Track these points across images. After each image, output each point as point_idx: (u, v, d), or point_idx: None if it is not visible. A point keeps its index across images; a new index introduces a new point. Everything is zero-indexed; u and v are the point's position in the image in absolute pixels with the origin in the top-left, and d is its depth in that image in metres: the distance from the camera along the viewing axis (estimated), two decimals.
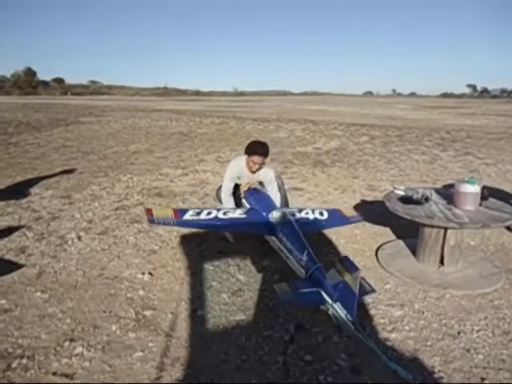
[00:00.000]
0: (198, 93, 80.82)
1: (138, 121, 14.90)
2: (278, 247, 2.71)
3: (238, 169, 3.25)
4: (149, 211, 2.70)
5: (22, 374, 1.77)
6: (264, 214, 2.92)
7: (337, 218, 3.12)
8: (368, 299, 2.39)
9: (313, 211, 3.08)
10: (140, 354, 1.91)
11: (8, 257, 2.94)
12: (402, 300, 2.43)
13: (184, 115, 17.89)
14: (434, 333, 2.12)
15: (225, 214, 2.85)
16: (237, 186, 3.38)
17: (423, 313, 2.30)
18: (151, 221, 2.64)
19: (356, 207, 4.30)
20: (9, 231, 3.42)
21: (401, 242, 3.25)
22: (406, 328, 2.15)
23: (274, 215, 2.85)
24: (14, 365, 1.81)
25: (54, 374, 1.77)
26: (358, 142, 9.72)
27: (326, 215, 3.06)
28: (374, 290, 2.30)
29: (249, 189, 3.27)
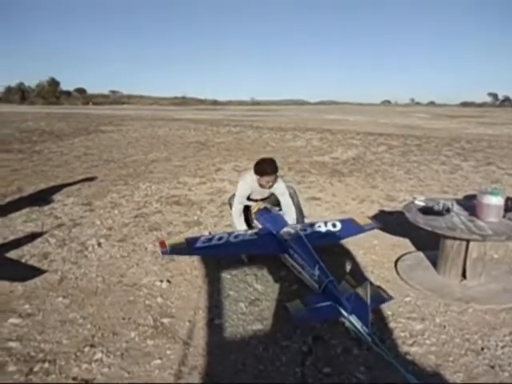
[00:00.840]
0: (215, 102, 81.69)
1: (157, 130, 15.17)
2: (290, 264, 2.71)
3: (247, 186, 3.31)
4: (162, 243, 2.70)
5: (43, 378, 1.81)
6: (274, 232, 2.93)
7: (351, 227, 3.10)
8: (388, 312, 2.36)
9: (325, 224, 3.07)
10: (158, 361, 1.93)
11: (31, 262, 3.02)
12: (423, 313, 2.38)
13: (202, 124, 18.11)
14: (457, 348, 2.06)
15: (236, 237, 2.85)
16: (246, 207, 3.43)
17: (445, 327, 2.24)
18: (164, 252, 2.62)
19: (374, 217, 4.23)
20: (32, 237, 3.51)
21: (421, 254, 3.19)
22: (427, 342, 2.10)
23: (284, 232, 2.85)
24: (36, 369, 1.85)
25: (75, 378, 1.80)
26: (375, 152, 9.63)
27: (339, 226, 3.04)
28: (391, 298, 2.27)
29: (258, 209, 3.30)
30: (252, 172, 3.27)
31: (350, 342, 2.06)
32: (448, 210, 2.80)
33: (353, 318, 2.04)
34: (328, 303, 2.16)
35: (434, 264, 2.93)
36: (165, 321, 2.27)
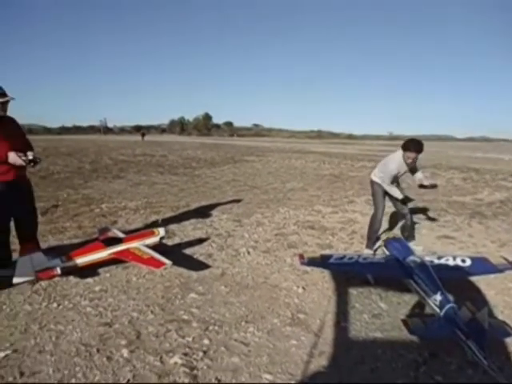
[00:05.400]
0: (350, 136, 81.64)
1: (294, 161, 16.31)
2: (414, 289, 2.94)
3: (397, 165, 4.20)
4: (300, 256, 3.34)
5: (214, 335, 2.52)
6: (401, 259, 3.21)
7: (482, 265, 3.16)
8: None
9: (454, 258, 3.20)
10: (294, 342, 2.47)
11: (201, 259, 3.95)
12: None
13: (336, 158, 18.67)
14: None
15: (365, 259, 3.28)
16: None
17: None
18: (303, 263, 3.26)
19: None
20: (200, 241, 4.52)
21: None
22: None
23: (410, 260, 3.11)
24: (210, 328, 2.60)
25: (236, 340, 2.48)
26: None
27: (468, 262, 3.13)
28: None
29: (388, 238, 3.62)
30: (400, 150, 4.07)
31: (465, 363, 2.25)
32: None
33: (470, 342, 2.23)
34: (447, 326, 2.37)
35: None
36: (300, 316, 2.81)
